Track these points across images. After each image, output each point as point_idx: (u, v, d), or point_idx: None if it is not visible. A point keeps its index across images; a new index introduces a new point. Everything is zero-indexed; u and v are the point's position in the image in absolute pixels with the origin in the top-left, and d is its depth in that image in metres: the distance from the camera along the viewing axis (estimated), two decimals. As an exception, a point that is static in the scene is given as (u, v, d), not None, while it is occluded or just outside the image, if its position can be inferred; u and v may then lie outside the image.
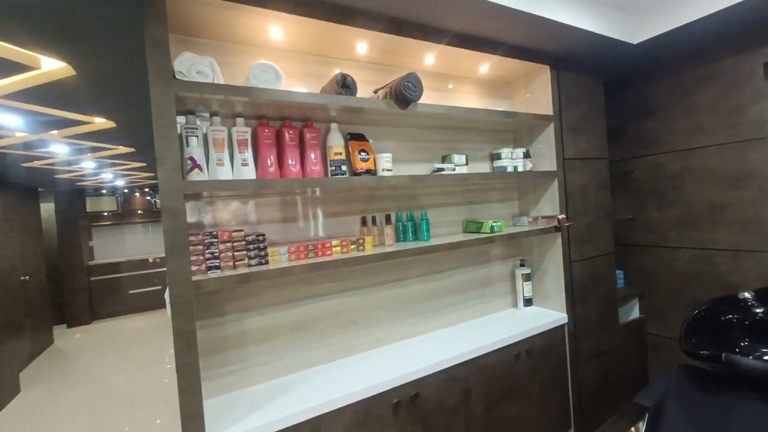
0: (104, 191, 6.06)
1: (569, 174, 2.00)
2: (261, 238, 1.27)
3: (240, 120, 1.35)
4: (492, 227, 1.79)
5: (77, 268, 5.61)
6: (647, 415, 1.18)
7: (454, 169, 1.82)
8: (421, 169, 1.84)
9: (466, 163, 1.88)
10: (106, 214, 6.17)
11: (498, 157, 2.00)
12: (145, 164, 3.80)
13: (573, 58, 2.02)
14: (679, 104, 2.20)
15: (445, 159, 1.88)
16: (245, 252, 1.25)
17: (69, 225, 5.61)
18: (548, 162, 2.00)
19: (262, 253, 1.27)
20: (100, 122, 2.20)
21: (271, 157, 1.37)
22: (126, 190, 6.29)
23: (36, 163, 3.33)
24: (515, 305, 2.14)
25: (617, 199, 2.48)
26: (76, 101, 1.87)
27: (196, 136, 1.22)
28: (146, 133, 2.64)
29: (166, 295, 1.04)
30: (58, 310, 5.36)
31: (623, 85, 2.45)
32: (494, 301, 2.07)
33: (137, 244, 6.52)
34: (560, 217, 1.92)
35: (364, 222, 1.62)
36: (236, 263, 1.23)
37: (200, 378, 1.06)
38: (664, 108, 2.27)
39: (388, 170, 1.59)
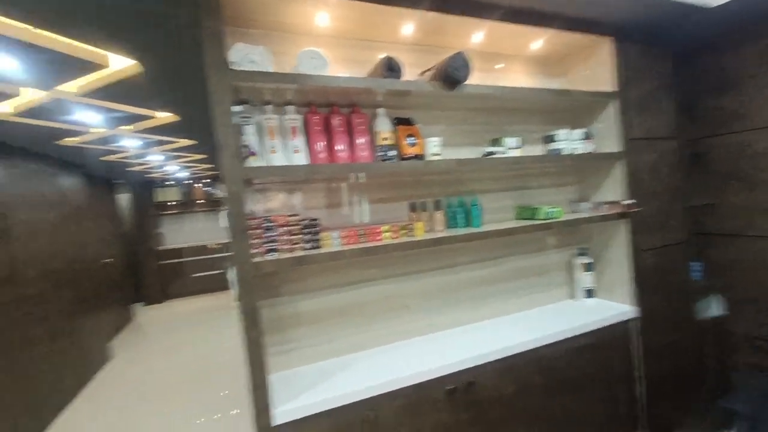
0: (169, 183, 6.59)
1: (635, 156, 1.82)
2: (314, 222, 1.31)
3: (290, 108, 1.38)
4: (548, 213, 1.69)
5: (149, 253, 6.21)
6: (741, 420, 1.06)
7: (505, 153, 1.73)
8: (470, 154, 1.77)
9: (519, 146, 1.78)
10: (171, 203, 6.73)
11: (553, 139, 1.87)
12: (205, 156, 4.06)
13: (638, 28, 1.81)
14: (765, 75, 1.90)
15: (495, 142, 1.80)
16: (300, 236, 1.29)
17: (141, 213, 6.21)
18: (610, 143, 1.84)
19: (316, 237, 1.30)
20: (165, 116, 2.37)
21: (321, 143, 1.39)
22: (188, 182, 6.78)
23: (111, 157, 3.69)
24: (573, 296, 2.02)
25: (691, 183, 2.22)
26: (144, 97, 2.03)
27: (251, 125, 1.27)
28: (206, 126, 2.82)
29: (232, 275, 1.10)
30: (135, 290, 5.99)
31: (695, 56, 2.16)
32: (549, 292, 1.97)
33: (197, 232, 7.05)
34: (626, 203, 1.76)
35: (413, 208, 1.60)
36: (292, 247, 1.27)
37: (265, 352, 1.12)
38: (745, 80, 1.98)
39: (437, 155, 1.55)
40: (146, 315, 5.70)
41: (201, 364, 3.68)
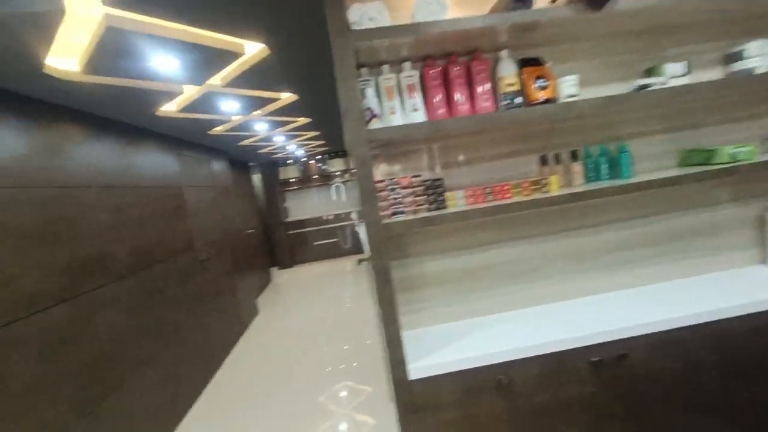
0: (290, 161, 7.37)
1: None
2: (438, 182, 1.26)
3: (407, 65, 1.32)
4: (733, 155, 1.31)
5: (279, 224, 7.15)
6: None
7: (666, 84, 1.38)
8: (615, 91, 1.47)
9: (686, 73, 1.40)
10: (292, 180, 7.55)
11: (739, 56, 1.42)
12: (318, 133, 4.37)
13: None
14: None
15: (650, 72, 1.45)
16: (424, 197, 1.26)
17: (270, 190, 7.14)
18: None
19: (441, 198, 1.26)
20: (287, 96, 2.58)
21: (439, 97, 1.31)
22: (304, 159, 7.47)
23: (246, 142, 4.25)
24: (764, 261, 1.58)
25: None
26: (269, 80, 2.22)
27: (371, 87, 1.26)
28: (320, 103, 3.01)
29: (363, 236, 1.14)
30: (270, 256, 7.02)
31: None
32: (728, 255, 1.57)
33: (314, 204, 7.80)
34: None
35: (543, 161, 1.42)
36: (417, 208, 1.26)
37: (397, 309, 1.16)
38: None
39: (573, 96, 1.32)
40: (281, 277, 6.64)
41: (327, 321, 4.15)
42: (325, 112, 3.32)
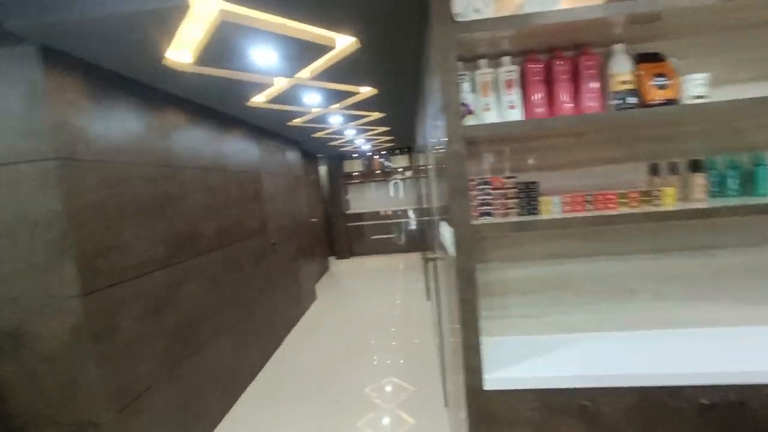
0: (355, 155, 7.54)
1: None
2: (533, 185, 1.18)
3: (505, 59, 1.25)
4: None
5: (339, 215, 7.37)
6: None
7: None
8: (748, 92, 1.25)
9: None
10: (355, 173, 7.73)
11: None
12: (388, 128, 4.40)
13: None
14: None
15: (803, 71, 1.21)
16: (515, 199, 1.19)
17: (334, 182, 7.38)
18: None
19: (533, 202, 1.18)
20: (366, 91, 2.62)
21: (540, 95, 1.22)
22: (368, 154, 7.60)
23: (319, 134, 4.41)
24: None
25: None
26: (354, 74, 2.26)
27: (467, 82, 1.22)
28: (397, 98, 3.01)
29: (448, 234, 1.11)
30: (329, 246, 7.27)
31: None
32: None
33: (373, 199, 7.91)
34: None
35: (654, 170, 1.26)
36: (506, 211, 1.19)
37: (479, 315, 1.11)
38: None
39: (701, 97, 1.15)
40: (338, 267, 6.85)
41: (378, 314, 4.21)
42: (399, 107, 3.32)
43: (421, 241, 6.79)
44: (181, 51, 1.68)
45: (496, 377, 1.13)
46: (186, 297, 2.18)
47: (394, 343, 3.41)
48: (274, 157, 3.97)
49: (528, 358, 1.22)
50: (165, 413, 1.92)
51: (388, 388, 2.67)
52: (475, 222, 1.14)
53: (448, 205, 1.10)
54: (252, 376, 2.94)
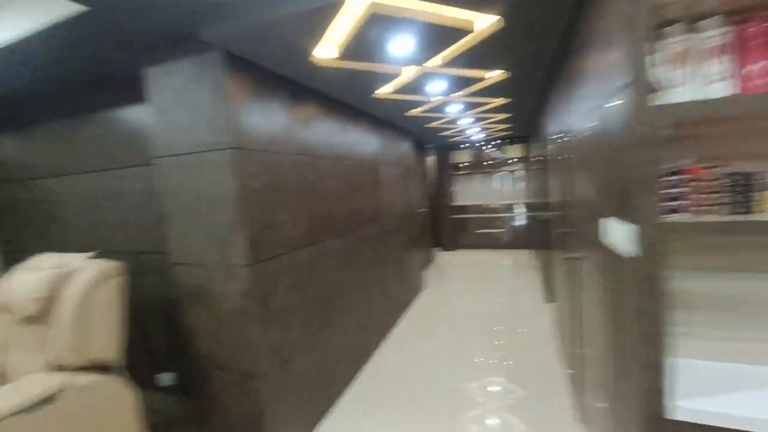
0: (464, 146, 7.32)
1: None
2: (748, 177, 0.93)
3: (707, 23, 1.00)
4: None
5: (445, 207, 7.29)
6: None
7: None
8: None
9: None
10: (462, 165, 7.50)
11: None
12: (509, 115, 4.12)
13: None
14: None
15: None
16: (718, 194, 0.96)
17: (441, 173, 7.30)
18: None
19: (747, 199, 0.94)
20: (494, 75, 2.46)
21: (762, 63, 0.95)
22: (479, 144, 7.29)
23: (433, 123, 4.37)
24: None
25: None
26: (488, 57, 2.13)
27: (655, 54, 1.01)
28: (529, 81, 2.77)
29: (622, 233, 0.95)
30: (435, 237, 7.26)
31: None
32: None
33: (478, 192, 7.57)
34: None
35: None
36: (703, 207, 0.97)
37: (663, 331, 0.93)
38: None
39: None
40: (443, 258, 6.81)
41: (483, 310, 4.06)
42: (527, 91, 3.06)
43: (530, 239, 6.28)
44: (328, 46, 1.80)
45: (689, 407, 0.94)
46: (321, 275, 2.40)
47: (498, 343, 3.26)
48: (390, 148, 4.08)
49: (720, 390, 0.99)
50: (308, 375, 2.19)
51: (493, 388, 2.57)
52: (664, 220, 0.95)
53: (628, 198, 0.94)
54: (368, 355, 3.12)
